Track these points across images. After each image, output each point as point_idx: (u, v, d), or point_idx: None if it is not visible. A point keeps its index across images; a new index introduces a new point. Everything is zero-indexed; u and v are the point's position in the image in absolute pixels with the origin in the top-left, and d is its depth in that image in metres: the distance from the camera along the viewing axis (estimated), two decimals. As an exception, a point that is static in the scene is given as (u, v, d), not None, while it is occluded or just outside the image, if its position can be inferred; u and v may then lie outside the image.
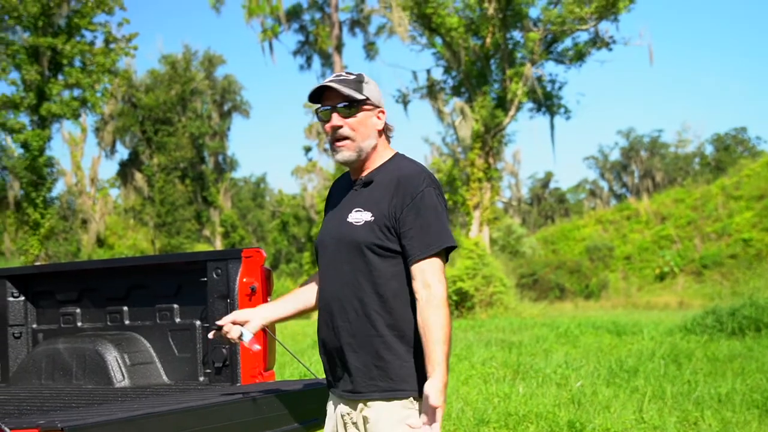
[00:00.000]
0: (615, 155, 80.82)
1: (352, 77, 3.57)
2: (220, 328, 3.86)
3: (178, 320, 5.34)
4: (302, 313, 3.99)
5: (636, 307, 39.60)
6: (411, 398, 3.46)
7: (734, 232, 46.06)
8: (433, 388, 3.29)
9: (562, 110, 39.00)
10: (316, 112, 3.63)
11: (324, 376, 3.75)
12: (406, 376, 3.45)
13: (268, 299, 5.07)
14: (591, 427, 8.67)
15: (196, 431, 3.91)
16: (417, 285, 3.42)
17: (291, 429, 4.31)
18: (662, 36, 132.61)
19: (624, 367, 13.36)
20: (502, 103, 37.11)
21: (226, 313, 5.00)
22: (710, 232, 47.46)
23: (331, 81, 3.55)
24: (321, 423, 4.38)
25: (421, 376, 3.42)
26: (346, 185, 3.70)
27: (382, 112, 3.61)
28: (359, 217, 3.49)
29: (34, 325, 5.85)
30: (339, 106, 3.54)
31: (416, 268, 3.42)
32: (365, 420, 3.49)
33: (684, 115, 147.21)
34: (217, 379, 5.08)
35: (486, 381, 12.45)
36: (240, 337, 3.82)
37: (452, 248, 3.49)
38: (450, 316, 3.40)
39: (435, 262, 3.44)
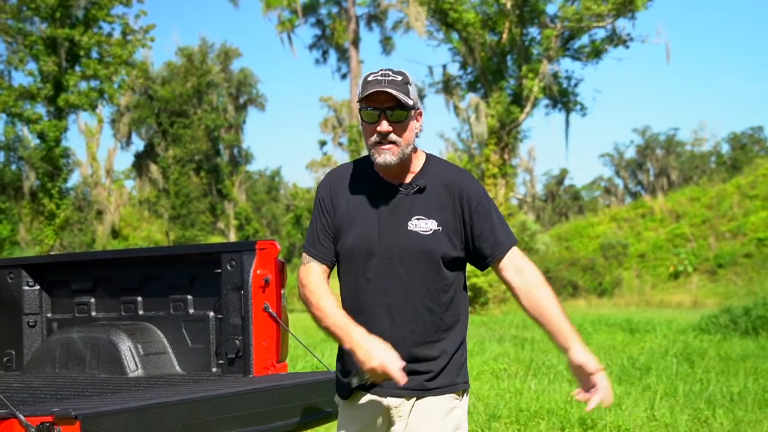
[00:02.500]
0: (630, 153, 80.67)
1: (399, 78, 3.39)
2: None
3: (191, 311, 5.36)
4: None
5: (649, 305, 39.49)
6: (462, 391, 3.53)
7: (749, 231, 45.87)
8: (585, 354, 3.44)
9: (578, 107, 38.91)
10: (360, 111, 3.44)
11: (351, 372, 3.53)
12: (460, 371, 3.52)
13: (282, 291, 5.08)
14: (602, 425, 8.67)
15: (209, 421, 3.94)
16: (509, 274, 3.51)
17: (303, 420, 4.33)
18: (680, 34, 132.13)
19: (636, 364, 13.35)
20: (518, 100, 37.04)
21: (240, 305, 5.02)
22: (725, 231, 47.27)
23: (385, 85, 3.35)
24: (333, 415, 4.40)
25: (467, 368, 3.57)
26: (377, 185, 3.49)
27: (421, 114, 3.51)
28: (425, 225, 3.39)
29: (49, 314, 5.89)
30: (389, 111, 3.38)
31: (505, 260, 3.50)
32: (412, 413, 3.46)
33: (700, 113, 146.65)
34: (230, 370, 5.10)
35: (498, 377, 12.45)
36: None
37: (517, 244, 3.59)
38: None
39: (516, 249, 3.56)
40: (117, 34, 37.21)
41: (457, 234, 3.43)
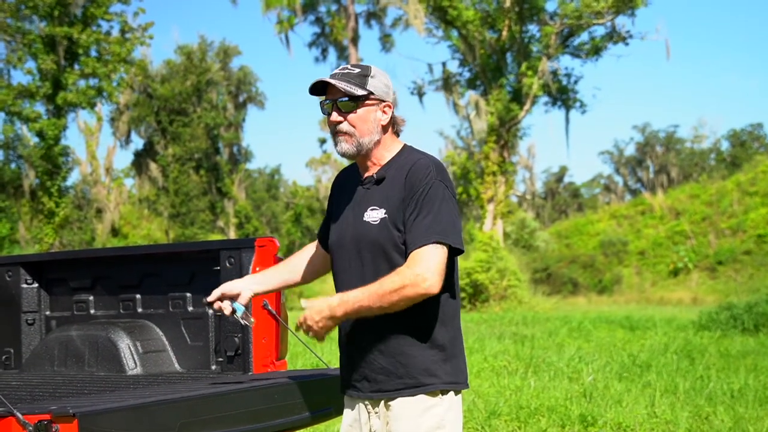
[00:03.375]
0: (630, 150, 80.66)
1: (356, 71, 3.51)
2: (210, 304, 3.85)
3: (190, 309, 5.34)
4: (290, 287, 4.01)
5: (649, 302, 39.53)
6: (439, 391, 3.47)
7: (749, 228, 45.89)
8: (312, 305, 3.43)
9: (577, 104, 38.98)
10: (321, 104, 3.58)
11: (341, 373, 3.71)
12: (433, 369, 3.45)
13: (281, 288, 5.08)
14: (602, 421, 8.66)
15: (208, 419, 3.92)
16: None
17: (302, 418, 4.31)
18: (679, 31, 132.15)
19: (636, 361, 13.36)
20: (518, 97, 37.07)
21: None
22: (725, 228, 47.28)
23: (332, 76, 3.50)
24: (333, 413, 4.39)
25: (452, 368, 3.48)
26: (355, 181, 3.64)
27: (389, 106, 3.53)
28: (375, 215, 3.46)
29: (48, 312, 5.87)
30: (339, 100, 3.49)
31: (410, 256, 3.35)
32: (388, 415, 3.50)
33: (700, 110, 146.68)
34: (229, 367, 5.08)
35: (498, 374, 12.45)
36: (233, 313, 3.81)
37: (457, 250, 3.41)
38: (395, 293, 3.30)
39: (431, 251, 3.32)
40: (116, 32, 37.22)
41: (400, 221, 3.41)
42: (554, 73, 37.90)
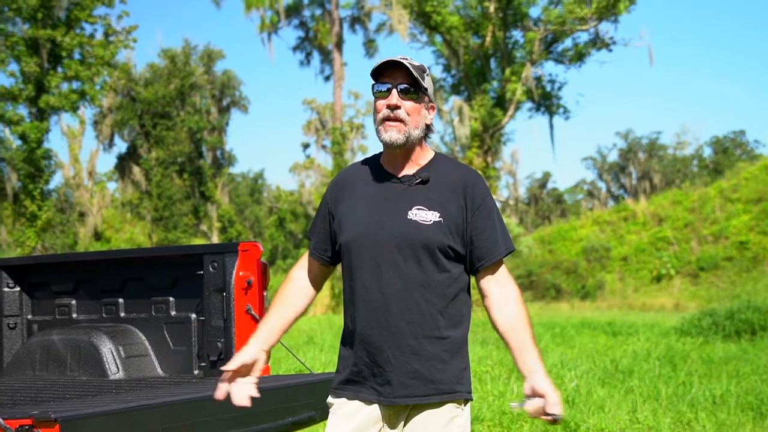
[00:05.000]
0: (613, 156, 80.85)
1: (417, 64, 3.46)
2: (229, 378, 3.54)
3: (173, 313, 5.33)
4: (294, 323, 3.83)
5: (632, 308, 39.63)
6: (463, 400, 3.45)
7: (731, 234, 46.06)
8: (546, 384, 3.35)
9: (561, 110, 39.02)
10: (373, 87, 3.49)
11: (342, 372, 3.55)
12: (461, 378, 3.43)
13: (265, 293, 5.05)
14: (585, 427, 8.67)
15: (190, 424, 3.90)
16: (490, 285, 3.46)
17: (285, 423, 4.30)
18: (662, 38, 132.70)
19: (619, 367, 13.38)
20: (501, 103, 37.10)
21: (222, 308, 4.98)
22: (707, 235, 47.44)
23: (401, 58, 3.44)
24: (316, 418, 4.37)
25: (470, 377, 3.48)
26: (380, 177, 3.51)
27: (433, 108, 3.52)
28: (425, 216, 3.37)
29: (30, 316, 5.84)
30: (401, 86, 3.42)
31: (489, 270, 3.46)
32: (411, 423, 3.42)
33: (683, 117, 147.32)
34: (211, 372, 5.06)
35: (481, 379, 12.45)
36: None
37: (513, 251, 3.54)
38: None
39: (503, 264, 3.51)
40: (99, 35, 37.07)
41: (459, 230, 3.40)
42: (538, 79, 37.96)
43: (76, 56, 36.31)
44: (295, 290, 3.69)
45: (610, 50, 37.42)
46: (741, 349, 16.22)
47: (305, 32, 48.96)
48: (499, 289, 3.44)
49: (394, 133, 3.40)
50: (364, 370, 3.45)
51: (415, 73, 3.40)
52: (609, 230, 53.71)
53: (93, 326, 5.42)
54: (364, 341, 3.43)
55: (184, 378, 5.15)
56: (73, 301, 5.69)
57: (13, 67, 35.83)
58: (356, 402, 3.46)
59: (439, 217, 3.37)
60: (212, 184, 54.84)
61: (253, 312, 4.92)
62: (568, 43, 37.75)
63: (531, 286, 44.67)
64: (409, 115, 3.41)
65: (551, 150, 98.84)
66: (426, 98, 3.47)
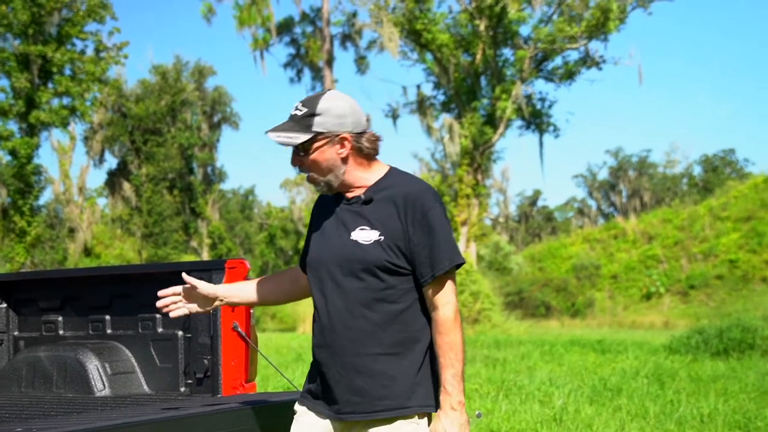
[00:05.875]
0: (603, 174, 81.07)
1: (302, 112, 3.44)
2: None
3: (160, 330, 5.32)
4: (259, 305, 3.99)
5: (621, 326, 39.68)
6: (416, 415, 3.44)
7: (721, 253, 46.19)
8: (449, 422, 3.36)
9: (551, 128, 39.16)
10: None
11: (307, 382, 3.66)
12: (412, 393, 3.43)
13: (252, 311, 5.06)
14: (573, 445, 8.67)
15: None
16: (429, 304, 3.43)
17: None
18: (652, 56, 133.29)
19: (607, 385, 13.38)
20: (491, 120, 37.23)
21: (209, 324, 4.99)
22: (697, 253, 47.56)
23: (276, 127, 3.46)
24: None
25: (427, 390, 3.46)
26: (336, 201, 3.57)
27: (345, 138, 3.44)
28: (366, 236, 3.42)
29: (16, 333, 5.82)
30: (292, 153, 3.51)
31: (430, 286, 3.41)
32: None
33: (673, 135, 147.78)
34: (198, 390, 5.06)
35: (469, 397, 12.43)
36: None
37: (461, 264, 3.48)
38: (462, 335, 3.42)
39: (445, 281, 3.43)
40: (90, 51, 37.17)
41: (401, 246, 3.41)
42: (528, 97, 38.11)
43: (67, 72, 36.37)
44: (287, 275, 3.88)
45: (600, 68, 37.63)
46: (729, 367, 16.25)
47: (296, 49, 49.08)
48: (434, 312, 3.42)
49: (315, 187, 3.56)
50: (318, 386, 3.54)
51: (286, 139, 3.43)
52: (599, 248, 53.82)
53: (79, 343, 5.41)
54: (316, 359, 3.54)
55: (171, 395, 5.14)
56: (60, 318, 5.68)
57: (4, 82, 35.91)
58: (313, 414, 3.56)
59: (380, 235, 3.40)
60: (203, 201, 54.84)
61: (239, 329, 4.92)
62: (558, 61, 37.95)
63: (521, 303, 44.71)
64: (311, 169, 3.48)
65: (541, 168, 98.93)
66: (325, 139, 3.44)
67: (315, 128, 3.41)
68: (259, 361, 5.28)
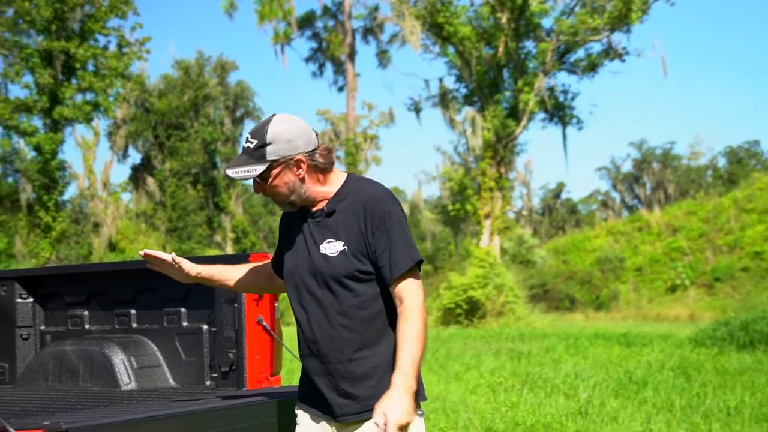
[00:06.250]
0: (627, 167, 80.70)
1: (253, 144, 3.58)
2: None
3: (185, 324, 5.33)
4: (232, 290, 4.29)
5: (646, 319, 39.52)
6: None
7: (746, 245, 45.94)
8: (392, 404, 3.33)
9: (574, 120, 39.01)
10: None
11: (300, 388, 3.87)
12: None
13: (276, 304, 5.07)
14: (598, 438, 8.64)
15: (201, 435, 3.91)
16: (396, 301, 3.51)
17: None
18: (676, 47, 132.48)
19: (633, 378, 13.34)
20: (514, 113, 37.11)
21: (234, 318, 5.00)
22: (722, 245, 47.33)
23: (233, 161, 3.61)
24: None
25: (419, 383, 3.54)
26: (302, 215, 3.71)
27: (300, 160, 3.57)
28: (332, 248, 3.57)
29: (42, 327, 5.85)
30: (254, 184, 3.66)
31: (393, 288, 3.52)
32: None
33: (697, 127, 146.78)
34: (223, 383, 5.07)
35: (494, 390, 12.43)
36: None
37: (422, 261, 3.57)
38: (424, 327, 3.46)
39: (408, 278, 3.52)
40: (113, 47, 37.28)
41: (365, 253, 3.54)
42: (551, 89, 37.97)
43: (90, 68, 36.50)
44: (264, 270, 4.06)
45: (623, 60, 37.45)
46: (756, 359, 16.16)
47: (318, 43, 49.10)
48: (400, 306, 3.50)
49: (282, 207, 3.71)
50: (310, 392, 3.74)
51: (244, 173, 3.57)
52: (623, 240, 53.63)
53: (105, 337, 5.44)
54: (305, 367, 3.74)
55: (196, 388, 5.16)
56: (86, 312, 5.71)
57: (28, 78, 36.07)
58: (309, 417, 3.77)
59: (344, 245, 3.56)
60: (226, 195, 54.97)
61: (264, 323, 4.93)
62: (580, 53, 37.79)
63: (545, 296, 44.60)
64: (273, 193, 3.64)
65: (564, 160, 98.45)
66: (280, 165, 3.57)
67: (269, 157, 3.56)
68: (284, 355, 5.29)
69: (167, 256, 3.93)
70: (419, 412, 3.59)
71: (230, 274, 4.06)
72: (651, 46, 47.68)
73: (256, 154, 3.56)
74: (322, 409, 3.67)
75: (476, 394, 12.08)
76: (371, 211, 3.54)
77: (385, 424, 3.29)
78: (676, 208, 55.47)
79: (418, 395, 3.53)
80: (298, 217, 3.74)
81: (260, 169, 3.54)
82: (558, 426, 9.19)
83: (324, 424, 3.69)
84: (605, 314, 42.70)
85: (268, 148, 3.55)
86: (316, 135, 3.67)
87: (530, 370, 14.40)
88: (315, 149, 3.60)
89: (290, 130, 3.58)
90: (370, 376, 3.54)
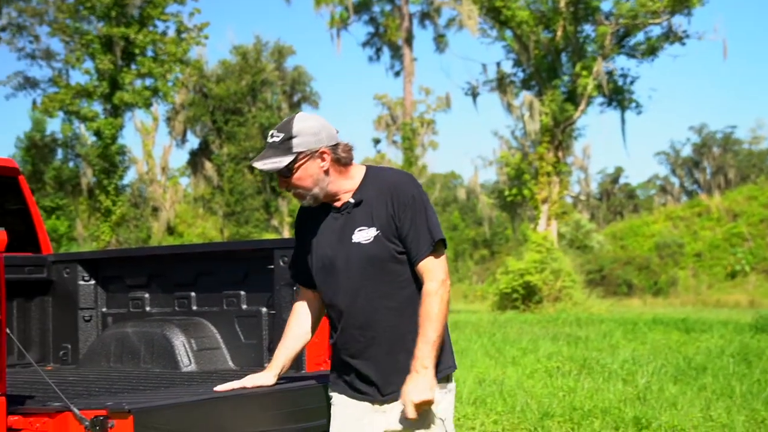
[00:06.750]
0: (687, 151, 79.78)
1: (279, 138, 3.74)
2: None
3: (244, 307, 5.37)
4: (304, 346, 4.26)
5: (706, 305, 39.10)
6: (444, 377, 3.78)
7: (808, 230, 45.28)
8: (413, 384, 3.59)
9: (633, 105, 38.63)
10: None
11: (333, 371, 4.00)
12: (441, 357, 3.74)
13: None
14: (657, 424, 8.58)
15: (260, 416, 3.95)
16: (421, 280, 3.71)
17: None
18: (737, 31, 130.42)
19: (692, 364, 13.21)
20: (572, 97, 36.84)
21: (292, 300, 5.03)
22: (783, 231, 46.70)
23: (258, 158, 3.77)
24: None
25: (445, 355, 3.78)
26: (324, 212, 3.86)
27: (324, 152, 3.75)
28: (365, 235, 3.75)
29: (104, 309, 5.93)
30: (279, 175, 3.80)
31: (418, 268, 3.72)
32: (395, 410, 3.75)
33: (758, 111, 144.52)
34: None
35: (551, 375, 12.38)
36: None
37: (443, 240, 3.76)
38: (444, 308, 3.67)
39: (432, 257, 3.72)
40: (171, 33, 37.59)
41: (394, 233, 3.74)
42: (609, 73, 37.62)
43: (149, 53, 36.83)
44: (295, 322, 4.11)
45: (684, 44, 37.01)
46: (818, 346, 15.93)
47: (375, 28, 49.02)
48: (424, 285, 3.71)
49: (304, 201, 3.85)
50: (350, 374, 3.86)
51: (272, 166, 3.74)
52: (682, 226, 53.09)
53: (166, 319, 5.50)
54: (347, 354, 3.85)
55: (255, 371, 5.19)
56: (147, 295, 5.77)
57: (88, 64, 36.51)
58: (346, 397, 3.89)
59: (377, 230, 3.74)
60: (283, 180, 55.16)
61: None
62: (640, 37, 37.37)
63: (602, 281, 44.30)
64: (298, 186, 3.78)
65: (623, 145, 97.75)
66: (305, 157, 3.74)
67: (296, 149, 3.72)
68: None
69: (241, 384, 4.01)
70: (446, 388, 3.79)
71: (296, 339, 4.13)
72: (712, 29, 47.09)
73: (283, 147, 3.73)
74: (360, 390, 3.82)
75: (533, 378, 12.05)
76: (397, 196, 3.72)
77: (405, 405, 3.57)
78: (737, 193, 54.79)
79: (443, 368, 3.73)
80: (317, 217, 3.88)
81: (287, 160, 3.71)
82: (616, 411, 9.14)
83: (360, 404, 3.83)
84: (663, 300, 42.33)
85: (294, 141, 3.72)
86: (337, 132, 3.83)
87: (587, 356, 14.32)
88: (337, 144, 3.78)
89: (314, 125, 3.76)
90: (408, 351, 3.67)
